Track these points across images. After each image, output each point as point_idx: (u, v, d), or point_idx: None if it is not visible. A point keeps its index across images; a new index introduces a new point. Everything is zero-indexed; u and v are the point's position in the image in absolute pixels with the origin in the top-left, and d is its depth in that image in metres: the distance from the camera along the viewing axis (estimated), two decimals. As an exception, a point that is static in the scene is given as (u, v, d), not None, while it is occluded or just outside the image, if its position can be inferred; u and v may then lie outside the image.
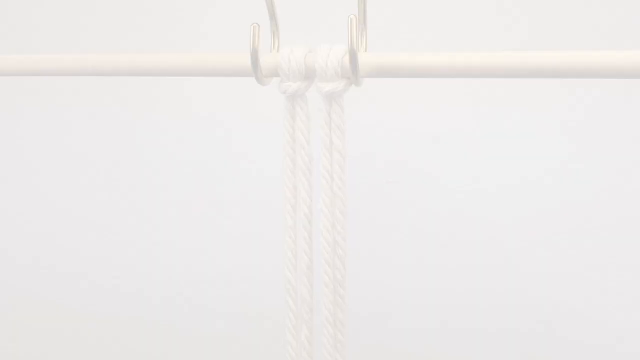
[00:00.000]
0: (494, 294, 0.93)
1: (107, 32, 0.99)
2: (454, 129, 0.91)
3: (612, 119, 0.86)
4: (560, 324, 0.92)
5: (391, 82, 0.90)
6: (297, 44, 0.46)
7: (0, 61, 0.52)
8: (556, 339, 0.92)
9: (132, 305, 1.06)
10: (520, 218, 0.90)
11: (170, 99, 0.99)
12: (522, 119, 0.88)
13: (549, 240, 0.90)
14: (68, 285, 1.08)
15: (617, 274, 0.89)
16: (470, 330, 0.95)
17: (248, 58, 0.45)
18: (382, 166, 0.93)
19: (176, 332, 1.06)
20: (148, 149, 1.01)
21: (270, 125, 0.96)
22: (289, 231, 0.48)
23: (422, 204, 0.93)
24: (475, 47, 0.87)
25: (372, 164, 0.94)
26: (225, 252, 1.02)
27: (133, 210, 1.03)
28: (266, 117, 0.96)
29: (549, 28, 0.86)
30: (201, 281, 1.03)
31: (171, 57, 0.48)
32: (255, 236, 1.00)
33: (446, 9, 0.88)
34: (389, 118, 0.92)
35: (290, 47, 0.45)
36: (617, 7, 0.83)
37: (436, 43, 0.88)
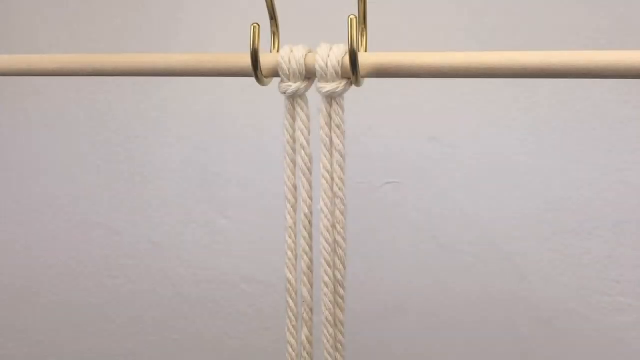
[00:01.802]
0: (494, 294, 0.93)
1: (107, 32, 0.99)
2: (453, 129, 0.91)
3: (614, 119, 0.86)
4: (560, 324, 0.92)
5: (391, 82, 0.90)
6: (297, 44, 0.46)
7: (0, 61, 0.52)
8: (556, 339, 0.92)
9: (132, 305, 1.06)
10: (520, 218, 0.90)
11: (170, 99, 0.99)
12: (522, 118, 0.88)
13: (549, 240, 0.90)
14: (68, 285, 1.08)
15: (617, 273, 0.89)
16: (470, 330, 0.95)
17: (248, 58, 0.45)
18: (382, 166, 0.93)
19: (176, 332, 1.06)
20: (148, 149, 1.01)
21: (270, 125, 0.96)
22: (289, 231, 0.48)
23: (421, 204, 0.93)
24: (475, 47, 0.87)
25: (371, 164, 0.94)
26: (225, 252, 1.02)
27: (133, 210, 1.03)
28: (266, 117, 0.96)
29: (549, 28, 0.86)
30: (201, 281, 1.03)
31: (171, 57, 0.48)
32: (256, 236, 1.00)
33: (446, 9, 0.88)
34: (388, 118, 0.92)
35: (290, 47, 0.45)
36: (617, 7, 0.83)
37: (436, 43, 0.88)
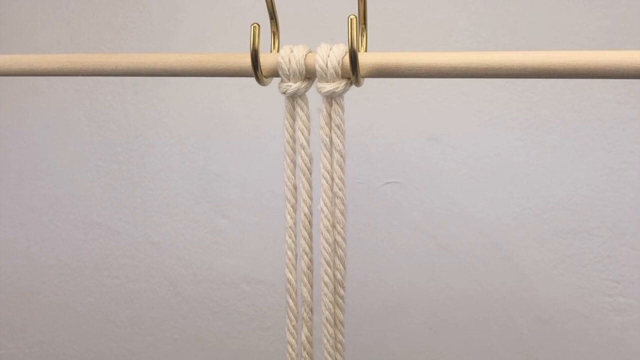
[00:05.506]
0: (494, 294, 0.93)
1: (107, 32, 0.99)
2: (453, 129, 0.91)
3: (614, 119, 0.86)
4: (560, 324, 0.92)
5: (391, 82, 0.90)
6: (297, 44, 0.46)
7: (0, 61, 0.52)
8: (556, 339, 0.92)
9: (132, 305, 1.06)
10: (520, 218, 0.90)
11: (170, 99, 0.99)
12: (522, 118, 0.88)
13: (549, 240, 0.90)
14: (68, 285, 1.08)
15: (617, 273, 0.89)
16: (470, 330, 0.95)
17: (248, 58, 0.45)
18: (382, 166, 0.93)
19: (176, 332, 1.06)
20: (148, 149, 1.01)
21: (270, 125, 0.96)
22: (289, 231, 0.48)
23: (421, 204, 0.93)
24: (475, 47, 0.87)
25: (371, 164, 0.94)
26: (225, 252, 1.02)
27: (133, 210, 1.03)
28: (266, 117, 0.96)
29: (549, 28, 0.86)
30: (201, 281, 1.03)
31: (171, 57, 0.48)
32: (256, 236, 1.00)
33: (446, 9, 0.88)
34: (388, 118, 0.92)
35: (290, 47, 0.45)
36: (617, 7, 0.83)
37: (436, 43, 0.88)
